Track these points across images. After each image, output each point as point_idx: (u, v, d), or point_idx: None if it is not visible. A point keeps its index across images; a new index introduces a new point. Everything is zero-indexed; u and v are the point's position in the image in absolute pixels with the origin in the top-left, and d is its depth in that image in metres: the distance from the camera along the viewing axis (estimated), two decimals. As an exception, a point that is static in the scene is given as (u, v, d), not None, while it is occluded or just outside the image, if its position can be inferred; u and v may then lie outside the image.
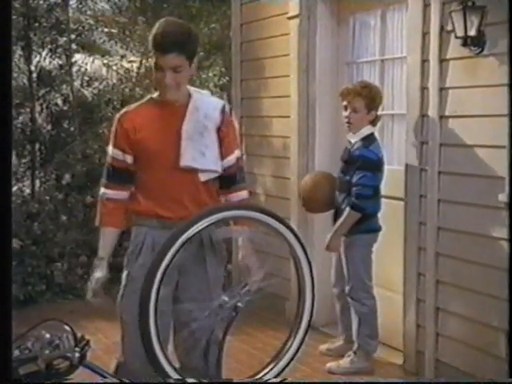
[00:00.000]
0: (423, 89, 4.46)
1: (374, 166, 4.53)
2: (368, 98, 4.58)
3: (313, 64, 5.47)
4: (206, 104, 3.15)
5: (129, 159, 3.11)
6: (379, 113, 4.71)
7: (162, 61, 2.99)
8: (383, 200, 4.67)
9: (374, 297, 4.68)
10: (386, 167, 4.64)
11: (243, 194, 3.26)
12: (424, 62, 4.44)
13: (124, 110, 3.20)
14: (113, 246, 3.21)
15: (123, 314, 3.16)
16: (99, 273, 3.15)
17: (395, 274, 4.78)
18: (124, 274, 3.21)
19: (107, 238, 3.18)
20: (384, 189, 4.65)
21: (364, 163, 4.51)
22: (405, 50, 4.78)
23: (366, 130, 4.60)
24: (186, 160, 3.06)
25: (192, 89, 3.19)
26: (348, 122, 4.63)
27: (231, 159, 3.20)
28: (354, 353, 4.65)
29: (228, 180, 3.21)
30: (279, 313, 5.46)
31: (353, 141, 4.63)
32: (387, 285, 4.96)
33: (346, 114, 4.64)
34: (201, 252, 3.13)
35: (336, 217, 4.71)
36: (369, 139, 4.58)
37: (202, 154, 3.07)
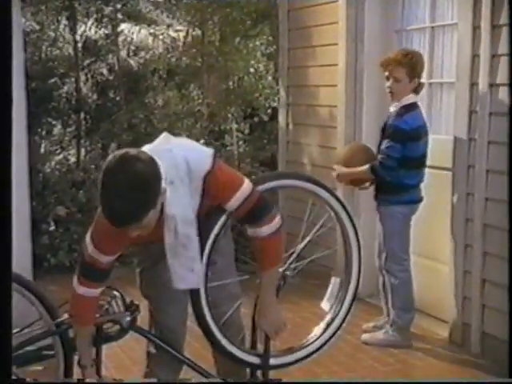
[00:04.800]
0: (474, 56, 4.36)
1: (404, 136, 4.40)
2: (409, 66, 4.46)
3: (361, 32, 5.40)
4: (179, 200, 2.67)
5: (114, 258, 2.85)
6: (423, 80, 4.61)
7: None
8: (430, 170, 4.60)
9: (408, 269, 4.59)
10: (429, 137, 4.54)
11: (275, 223, 2.80)
12: (475, 28, 4.33)
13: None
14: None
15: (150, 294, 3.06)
16: None
17: (442, 245, 4.73)
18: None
19: (88, 339, 2.86)
20: (431, 159, 4.58)
21: (393, 133, 4.43)
22: (455, 17, 4.68)
23: (407, 100, 4.48)
24: (176, 282, 2.78)
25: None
26: (391, 92, 4.54)
27: (232, 205, 2.76)
28: (391, 325, 4.60)
29: (248, 219, 2.80)
30: (325, 283, 5.43)
31: (392, 110, 4.56)
32: (434, 256, 4.92)
33: (388, 84, 4.54)
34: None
35: (377, 187, 4.66)
36: (407, 108, 4.47)
37: (190, 271, 2.77)
